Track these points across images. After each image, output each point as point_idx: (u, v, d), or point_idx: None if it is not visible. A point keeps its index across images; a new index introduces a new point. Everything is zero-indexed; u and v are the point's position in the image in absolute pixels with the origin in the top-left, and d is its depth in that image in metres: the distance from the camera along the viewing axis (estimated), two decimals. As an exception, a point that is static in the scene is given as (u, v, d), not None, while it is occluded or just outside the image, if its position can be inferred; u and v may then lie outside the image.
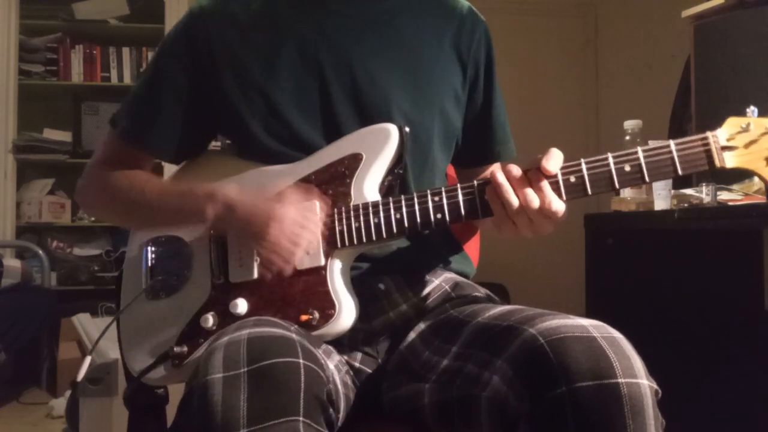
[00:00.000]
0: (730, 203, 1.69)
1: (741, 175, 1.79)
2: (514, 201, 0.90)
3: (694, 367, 1.69)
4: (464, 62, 1.15)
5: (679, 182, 1.86)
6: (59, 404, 2.65)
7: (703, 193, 1.73)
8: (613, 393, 0.76)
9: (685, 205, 1.76)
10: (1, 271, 3.18)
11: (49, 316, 3.20)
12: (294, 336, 0.85)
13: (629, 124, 1.84)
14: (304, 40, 1.09)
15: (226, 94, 1.09)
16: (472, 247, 1.33)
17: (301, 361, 0.80)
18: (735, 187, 1.76)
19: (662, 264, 1.86)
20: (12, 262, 3.31)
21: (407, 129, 1.01)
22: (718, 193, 1.71)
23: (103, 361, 1.96)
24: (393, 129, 1.01)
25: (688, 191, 1.80)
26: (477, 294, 1.10)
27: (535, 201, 0.89)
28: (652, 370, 0.81)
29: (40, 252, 3.47)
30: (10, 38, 3.56)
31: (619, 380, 0.76)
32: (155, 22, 3.58)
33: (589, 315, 0.87)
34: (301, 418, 0.77)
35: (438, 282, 1.11)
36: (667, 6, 3.18)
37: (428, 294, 1.10)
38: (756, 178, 1.75)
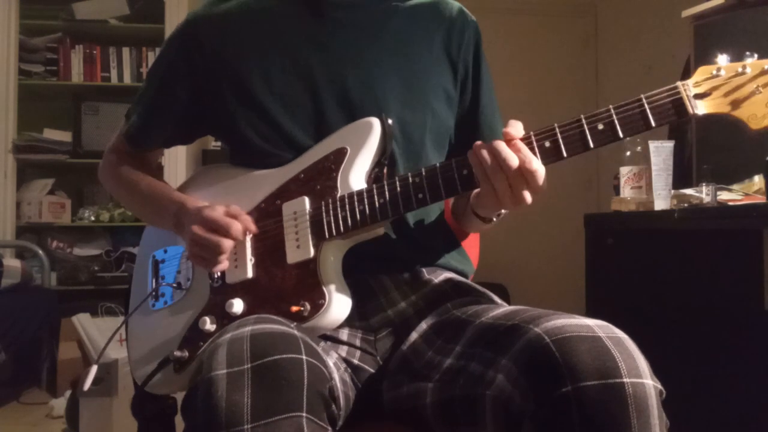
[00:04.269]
0: (730, 203, 1.69)
1: (741, 175, 1.79)
2: (491, 161, 0.91)
3: (694, 367, 1.69)
4: (455, 63, 1.17)
5: (680, 182, 1.86)
6: (59, 404, 2.65)
7: (703, 193, 1.73)
8: (619, 392, 0.76)
9: (685, 205, 1.76)
10: (1, 271, 3.18)
11: (49, 316, 3.21)
12: (296, 333, 0.85)
13: (629, 124, 1.83)
14: (297, 47, 1.11)
15: (221, 99, 1.11)
16: (472, 247, 1.33)
17: (304, 357, 0.80)
18: (735, 187, 1.76)
19: (662, 264, 1.86)
20: (12, 262, 3.31)
21: (390, 120, 1.03)
22: (718, 193, 1.71)
23: (103, 362, 1.96)
24: (375, 121, 1.03)
25: (688, 191, 1.80)
26: (478, 294, 1.10)
27: (513, 159, 0.90)
28: (652, 370, 0.81)
29: (40, 252, 3.48)
30: (10, 38, 3.56)
31: (625, 380, 0.77)
32: (155, 22, 3.57)
33: (589, 315, 0.88)
34: (304, 414, 0.77)
35: (437, 281, 1.11)
36: (667, 6, 3.18)
37: (427, 293, 1.10)
38: (756, 178, 1.75)
